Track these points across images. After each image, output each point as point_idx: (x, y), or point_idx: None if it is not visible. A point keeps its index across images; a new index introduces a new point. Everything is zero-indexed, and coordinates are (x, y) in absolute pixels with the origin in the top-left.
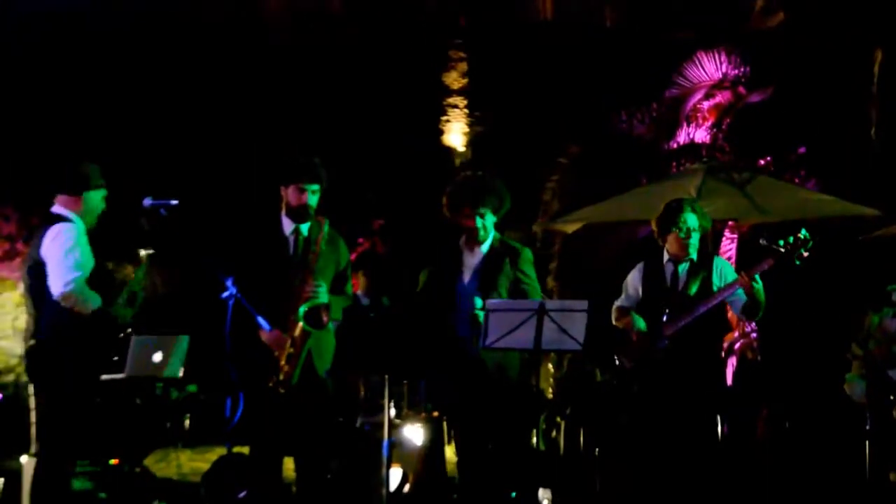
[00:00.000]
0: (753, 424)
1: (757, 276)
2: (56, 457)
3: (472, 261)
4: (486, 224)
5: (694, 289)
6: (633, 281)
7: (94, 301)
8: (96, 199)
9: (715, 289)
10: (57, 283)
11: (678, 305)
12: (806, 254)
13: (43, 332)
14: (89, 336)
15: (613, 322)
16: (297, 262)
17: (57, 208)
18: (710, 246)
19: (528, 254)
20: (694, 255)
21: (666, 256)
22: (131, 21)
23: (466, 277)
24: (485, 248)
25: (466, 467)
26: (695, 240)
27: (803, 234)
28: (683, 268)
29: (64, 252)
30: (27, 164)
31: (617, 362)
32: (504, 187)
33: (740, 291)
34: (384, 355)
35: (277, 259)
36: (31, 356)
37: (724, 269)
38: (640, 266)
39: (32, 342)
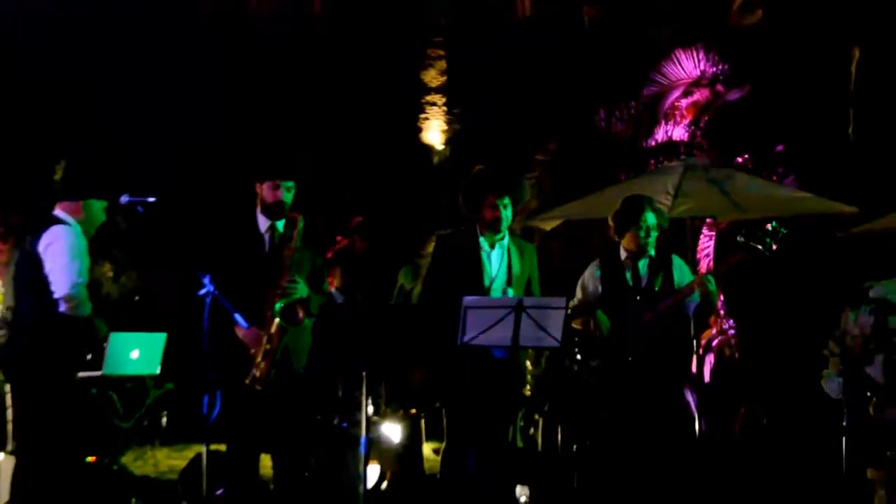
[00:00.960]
0: (731, 422)
1: (710, 277)
2: (35, 454)
3: (495, 255)
4: (508, 215)
5: (658, 284)
6: (592, 280)
7: (88, 308)
8: (98, 208)
9: (675, 285)
10: (63, 284)
11: (645, 300)
12: (775, 246)
13: (23, 325)
14: (69, 332)
15: (570, 322)
16: (273, 259)
17: (58, 212)
18: (688, 242)
19: (534, 250)
20: (652, 252)
21: (623, 254)
22: (112, 18)
23: (493, 271)
24: (506, 241)
25: (455, 463)
26: (653, 237)
27: (773, 224)
28: (643, 263)
29: (71, 256)
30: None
31: (584, 361)
32: (524, 182)
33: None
34: (362, 349)
35: (253, 256)
36: (9, 350)
37: (682, 267)
38: (594, 265)
39: (6, 334)
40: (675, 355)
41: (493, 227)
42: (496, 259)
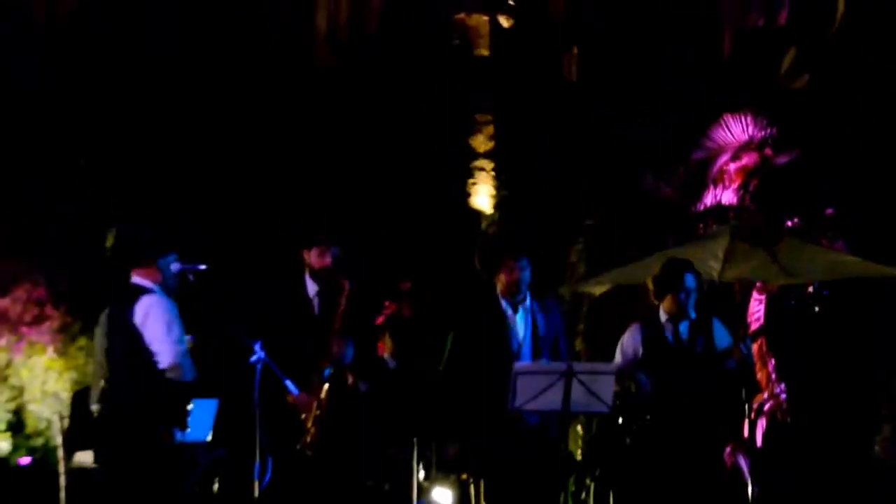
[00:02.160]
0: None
1: (744, 348)
2: None
3: (519, 319)
4: (526, 277)
5: (699, 347)
6: (632, 343)
7: (191, 372)
8: (168, 264)
9: (717, 349)
10: (167, 355)
11: (686, 362)
12: (817, 308)
13: (126, 398)
14: (175, 399)
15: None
16: (322, 324)
17: (136, 279)
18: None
19: (558, 307)
20: (693, 314)
21: (664, 317)
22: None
23: (520, 336)
24: (528, 303)
25: None
26: (693, 300)
27: (814, 286)
28: (684, 325)
29: (168, 325)
30: (52, 228)
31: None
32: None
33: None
34: (415, 419)
35: (302, 321)
36: (113, 422)
37: (720, 330)
38: (634, 327)
39: (101, 407)
40: (720, 418)
41: (513, 290)
42: (521, 322)
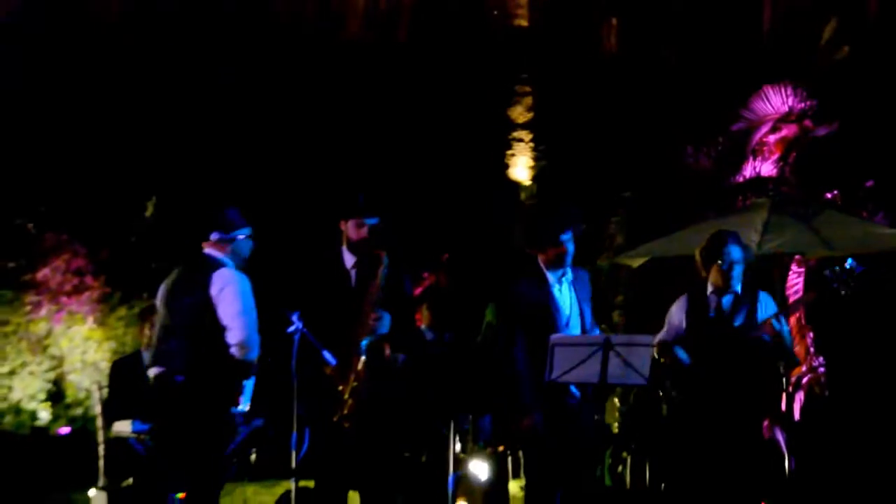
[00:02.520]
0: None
1: (777, 323)
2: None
3: (563, 289)
4: (571, 248)
5: (739, 320)
6: (677, 313)
7: (257, 352)
8: (246, 244)
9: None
10: (239, 332)
11: (723, 336)
12: (852, 283)
13: (190, 368)
14: (237, 376)
15: (656, 356)
16: (359, 295)
17: (209, 250)
18: (776, 279)
19: (588, 275)
20: (738, 288)
21: (710, 289)
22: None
23: (564, 306)
24: (570, 275)
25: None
26: (737, 272)
27: (849, 263)
28: (728, 300)
29: (244, 302)
30: (97, 199)
31: (669, 395)
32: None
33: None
34: (451, 386)
35: (339, 293)
36: (174, 390)
37: (768, 304)
38: (682, 299)
39: (162, 372)
40: (758, 391)
41: (558, 263)
42: (565, 295)
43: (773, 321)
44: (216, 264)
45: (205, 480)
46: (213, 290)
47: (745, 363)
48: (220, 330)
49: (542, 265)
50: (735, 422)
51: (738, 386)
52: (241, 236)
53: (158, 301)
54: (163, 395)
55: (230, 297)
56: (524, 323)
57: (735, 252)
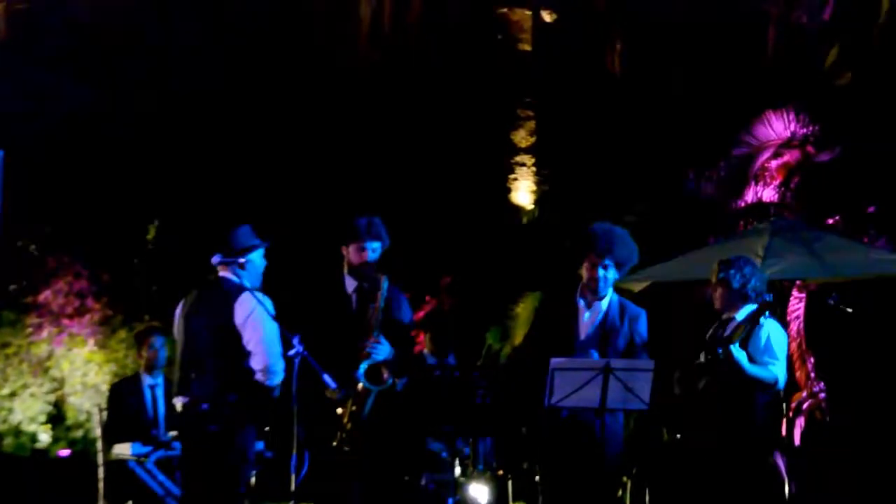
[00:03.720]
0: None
1: (732, 348)
2: None
3: (589, 316)
4: (609, 276)
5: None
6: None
7: (282, 375)
8: (258, 258)
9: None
10: (263, 357)
11: (713, 362)
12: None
13: (215, 392)
14: (260, 401)
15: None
16: (359, 320)
17: (224, 273)
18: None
19: (645, 317)
20: (736, 314)
21: (725, 314)
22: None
23: (583, 332)
24: (605, 303)
25: None
26: (730, 298)
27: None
28: (730, 326)
29: (265, 328)
30: (96, 222)
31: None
32: (633, 242)
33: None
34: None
35: (340, 317)
36: (200, 416)
37: (775, 335)
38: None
39: (187, 402)
40: (743, 423)
41: (591, 288)
42: (590, 320)
43: (731, 349)
44: (236, 289)
45: None
46: (238, 318)
47: (723, 388)
48: (245, 356)
49: (579, 287)
50: (729, 447)
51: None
52: (249, 256)
53: (176, 328)
54: (189, 424)
55: (256, 323)
56: (542, 336)
57: (730, 277)
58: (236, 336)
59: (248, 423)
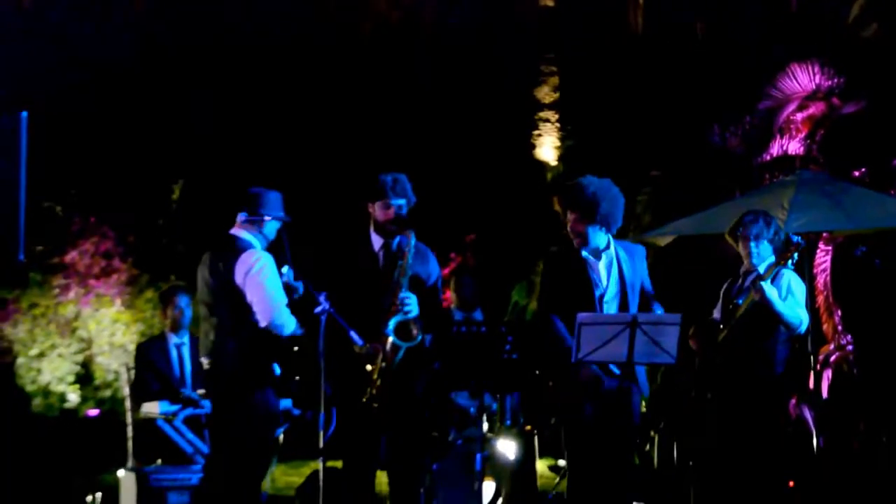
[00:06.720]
0: (850, 439)
1: (764, 286)
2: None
3: (601, 264)
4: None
5: (742, 299)
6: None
7: (292, 325)
8: (273, 227)
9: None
10: (268, 313)
11: (731, 316)
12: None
13: (229, 350)
14: (273, 352)
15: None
16: (386, 277)
17: (234, 231)
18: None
19: (643, 251)
20: (759, 266)
21: (742, 267)
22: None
23: (603, 284)
24: (612, 249)
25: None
26: (755, 250)
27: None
28: (751, 277)
29: (268, 284)
30: (121, 182)
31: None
32: (619, 195)
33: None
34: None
35: (367, 274)
36: (219, 374)
37: (796, 287)
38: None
39: (212, 361)
40: (766, 369)
41: (576, 241)
42: (605, 270)
43: (762, 285)
44: (241, 247)
45: (251, 463)
46: (238, 277)
47: (745, 338)
48: (249, 311)
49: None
50: (756, 400)
51: (745, 365)
52: (267, 217)
53: (199, 291)
54: (215, 384)
55: (255, 279)
56: (558, 294)
57: (751, 229)
58: (238, 294)
59: (259, 374)
